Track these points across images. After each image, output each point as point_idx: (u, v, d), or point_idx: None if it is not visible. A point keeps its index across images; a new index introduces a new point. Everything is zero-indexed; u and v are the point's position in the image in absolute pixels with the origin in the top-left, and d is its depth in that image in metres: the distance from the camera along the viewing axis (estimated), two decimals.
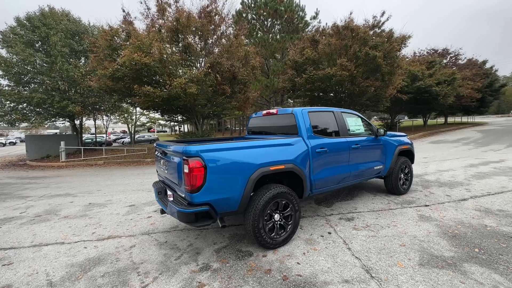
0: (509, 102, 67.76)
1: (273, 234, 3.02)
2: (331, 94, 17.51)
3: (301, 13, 22.24)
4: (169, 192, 3.21)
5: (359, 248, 2.97)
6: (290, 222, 3.15)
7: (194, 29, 11.57)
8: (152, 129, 48.42)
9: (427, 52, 28.49)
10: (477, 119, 42.27)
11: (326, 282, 2.38)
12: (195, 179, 2.52)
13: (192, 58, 12.18)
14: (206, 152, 2.61)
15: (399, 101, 19.43)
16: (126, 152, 14.27)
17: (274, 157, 3.04)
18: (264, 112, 4.31)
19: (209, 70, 10.92)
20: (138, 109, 26.49)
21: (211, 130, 17.02)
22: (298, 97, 19.73)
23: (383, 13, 14.55)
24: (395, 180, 4.79)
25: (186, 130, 36.81)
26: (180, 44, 11.66)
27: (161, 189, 3.52)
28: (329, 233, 3.43)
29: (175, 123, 24.07)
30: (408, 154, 5.23)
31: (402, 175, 4.94)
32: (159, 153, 3.47)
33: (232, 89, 12.43)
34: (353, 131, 4.25)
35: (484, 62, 29.82)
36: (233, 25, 13.28)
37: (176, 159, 2.78)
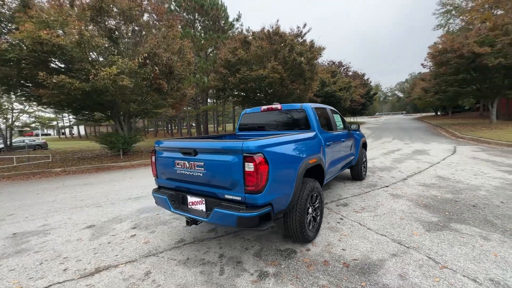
0: (375, 106, 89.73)
1: (310, 227, 3.04)
2: (262, 95, 18.50)
3: (223, 13, 22.43)
4: (192, 199, 2.74)
5: (376, 227, 3.39)
6: (318, 214, 3.25)
7: (119, 11, 9.82)
8: (29, 133, 37.54)
9: (327, 63, 34.24)
10: (358, 119, 53.97)
11: (381, 259, 2.63)
12: (261, 178, 2.26)
13: (121, 46, 10.34)
14: (267, 148, 2.38)
15: (313, 103, 22.58)
16: (16, 162, 10.58)
17: (309, 150, 3.07)
18: (264, 107, 4.23)
19: (146, 61, 9.56)
20: (16, 104, 20.18)
21: (137, 130, 14.85)
22: (230, 96, 19.85)
23: (304, 25, 16.56)
24: (360, 167, 5.65)
25: (107, 130, 30.55)
26: (104, 27, 9.67)
27: (174, 197, 2.93)
28: (341, 219, 3.74)
29: (74, 124, 19.52)
30: (365, 146, 6.25)
31: (363, 163, 5.87)
32: (175, 154, 2.86)
33: (168, 85, 11.31)
34: (339, 126, 4.75)
35: (364, 74, 38.44)
36: (165, 15, 12.03)
37: (228, 158, 2.39)
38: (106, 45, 9.45)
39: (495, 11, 24.82)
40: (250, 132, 4.42)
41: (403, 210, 3.93)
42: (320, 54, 16.93)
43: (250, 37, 17.00)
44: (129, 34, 10.70)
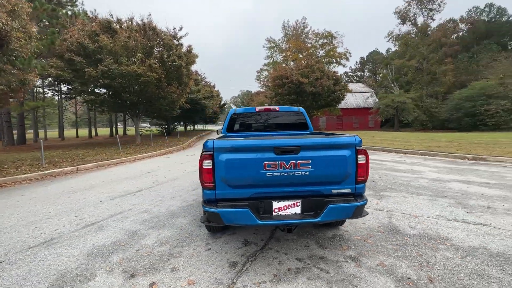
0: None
1: None
2: (129, 96, 15.71)
3: None
4: (280, 204, 2.49)
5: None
6: None
7: None
8: None
9: None
10: (209, 127, 58.06)
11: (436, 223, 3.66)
12: (368, 169, 2.54)
13: None
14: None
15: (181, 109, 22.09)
16: None
17: None
18: (261, 108, 4.16)
19: None
20: None
21: None
22: (83, 93, 15.16)
23: (181, 28, 16.03)
24: None
25: None
26: None
27: (254, 205, 2.43)
28: None
29: None
30: None
31: None
32: (262, 154, 2.35)
33: None
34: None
35: (214, 85, 42.24)
36: None
37: (343, 152, 2.40)
38: None
39: (300, 55, 36.23)
40: (243, 133, 4.16)
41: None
42: (195, 61, 17.10)
43: (116, 25, 14.06)
44: None
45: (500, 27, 43.71)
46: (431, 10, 37.41)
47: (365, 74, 66.27)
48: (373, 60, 65.86)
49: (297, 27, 40.26)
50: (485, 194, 4.80)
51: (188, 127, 38.37)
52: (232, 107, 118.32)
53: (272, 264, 2.64)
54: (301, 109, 4.30)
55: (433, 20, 38.71)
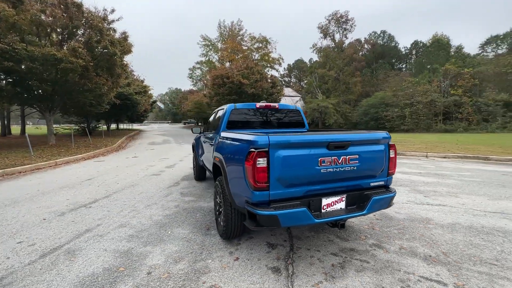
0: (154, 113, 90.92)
1: None
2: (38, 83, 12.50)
3: None
4: (328, 200, 2.49)
5: None
6: None
7: None
8: None
9: None
10: (135, 126, 51.86)
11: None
12: (395, 162, 2.78)
13: None
14: None
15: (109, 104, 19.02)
16: None
17: None
18: (262, 104, 3.98)
19: None
20: None
21: None
22: None
23: (113, 10, 13.74)
24: None
25: None
26: None
27: (306, 204, 2.32)
28: None
29: None
30: None
31: None
32: (316, 150, 2.23)
33: None
34: None
35: (143, 80, 38.15)
36: None
37: (380, 147, 2.53)
38: None
39: (237, 56, 36.64)
40: (242, 130, 3.87)
41: None
42: (131, 50, 15.05)
43: None
44: None
45: (390, 50, 55.39)
46: (345, 29, 44.14)
47: (292, 80, 72.41)
48: (298, 68, 72.77)
49: (233, 28, 40.60)
50: (426, 182, 5.98)
51: (112, 126, 33.38)
52: (159, 105, 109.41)
53: (314, 263, 2.58)
54: (298, 107, 4.36)
55: (347, 38, 45.80)
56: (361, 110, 37.51)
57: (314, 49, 46.86)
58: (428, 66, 41.84)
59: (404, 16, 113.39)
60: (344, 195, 2.51)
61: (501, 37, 48.35)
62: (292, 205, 2.24)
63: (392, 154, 2.72)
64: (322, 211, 2.43)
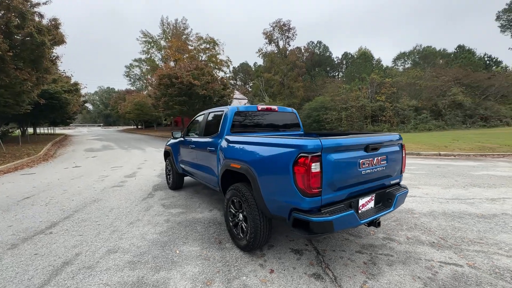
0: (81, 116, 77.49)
1: None
2: None
3: None
4: (363, 200, 2.58)
5: None
6: None
7: None
8: None
9: None
10: (57, 131, 43.96)
11: None
12: (405, 161, 3.05)
13: None
14: None
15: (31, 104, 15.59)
16: None
17: None
18: (263, 107, 3.84)
19: None
20: None
21: None
22: None
23: None
24: None
25: None
26: None
27: (348, 206, 2.35)
28: None
29: None
30: None
31: None
32: (356, 153, 2.24)
33: None
34: None
35: (70, 77, 32.76)
36: None
37: (398, 148, 2.73)
38: None
39: (183, 56, 34.93)
40: (251, 134, 3.66)
41: None
42: (64, 41, 12.70)
43: None
44: None
45: (326, 59, 61.51)
46: (288, 37, 46.98)
47: (237, 83, 73.05)
48: (243, 71, 73.97)
49: (177, 27, 38.52)
50: None
51: (29, 131, 27.49)
52: (87, 106, 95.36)
53: (348, 264, 2.62)
54: (294, 110, 4.37)
55: (290, 45, 48.79)
56: (305, 113, 40.44)
57: (260, 54, 48.43)
58: (358, 75, 48.01)
59: (336, 29, 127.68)
60: (374, 195, 2.62)
61: (407, 54, 59.02)
62: (340, 209, 2.23)
63: (403, 154, 2.98)
64: (359, 211, 2.49)
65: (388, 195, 2.72)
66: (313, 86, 50.76)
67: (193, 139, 4.45)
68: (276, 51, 47.37)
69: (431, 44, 61.77)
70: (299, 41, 79.74)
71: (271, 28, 45.05)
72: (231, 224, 3.07)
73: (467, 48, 44.91)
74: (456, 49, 47.15)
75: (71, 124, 49.43)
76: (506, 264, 2.54)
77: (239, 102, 45.76)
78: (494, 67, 39.83)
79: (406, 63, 58.56)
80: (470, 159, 8.97)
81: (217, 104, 26.78)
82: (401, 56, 59.69)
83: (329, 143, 2.16)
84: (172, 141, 5.59)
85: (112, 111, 58.85)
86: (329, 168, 2.15)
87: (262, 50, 47.39)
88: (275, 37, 45.90)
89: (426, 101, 30.24)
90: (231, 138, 3.28)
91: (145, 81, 58.90)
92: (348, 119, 35.11)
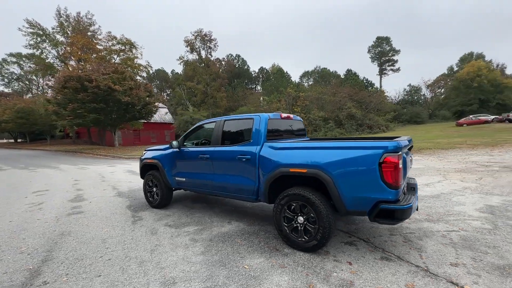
0: None
1: None
2: None
3: None
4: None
5: None
6: None
7: None
8: None
9: None
10: None
11: None
12: None
13: None
14: None
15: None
16: None
17: None
18: (285, 115, 4.01)
19: None
20: None
21: None
22: None
23: None
24: None
25: None
26: None
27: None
28: None
29: None
30: None
31: None
32: (403, 153, 2.79)
33: None
34: None
35: None
36: None
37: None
38: None
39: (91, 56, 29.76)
40: (276, 140, 3.73)
41: None
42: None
43: None
44: None
45: (244, 72, 65.20)
46: (210, 47, 47.26)
47: (154, 90, 67.50)
48: (159, 78, 69.19)
49: (80, 21, 32.40)
50: None
51: None
52: None
53: (395, 245, 3.15)
54: (301, 118, 4.70)
55: (212, 56, 49.13)
56: None
57: (181, 61, 46.72)
58: (275, 89, 53.13)
59: (250, 45, 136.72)
60: (405, 184, 3.28)
61: (309, 72, 69.62)
62: (406, 198, 2.74)
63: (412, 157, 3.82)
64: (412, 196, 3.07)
65: (411, 185, 3.44)
66: (235, 97, 52.70)
67: (206, 149, 4.14)
68: (199, 61, 46.83)
69: (327, 66, 74.92)
70: (219, 53, 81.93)
71: (193, 37, 44.36)
72: (287, 230, 3.11)
73: (353, 72, 57.15)
74: (346, 72, 59.26)
75: None
76: (479, 225, 3.67)
77: (159, 110, 42.45)
78: (370, 88, 52.22)
79: (309, 80, 68.84)
80: None
81: (141, 112, 24.18)
82: (306, 74, 69.81)
83: (402, 144, 2.65)
84: (159, 152, 4.93)
85: None
86: (404, 164, 2.64)
87: (183, 57, 45.88)
88: (197, 46, 45.36)
89: (330, 112, 36.41)
90: (277, 145, 3.34)
91: (27, 83, 46.70)
92: None
